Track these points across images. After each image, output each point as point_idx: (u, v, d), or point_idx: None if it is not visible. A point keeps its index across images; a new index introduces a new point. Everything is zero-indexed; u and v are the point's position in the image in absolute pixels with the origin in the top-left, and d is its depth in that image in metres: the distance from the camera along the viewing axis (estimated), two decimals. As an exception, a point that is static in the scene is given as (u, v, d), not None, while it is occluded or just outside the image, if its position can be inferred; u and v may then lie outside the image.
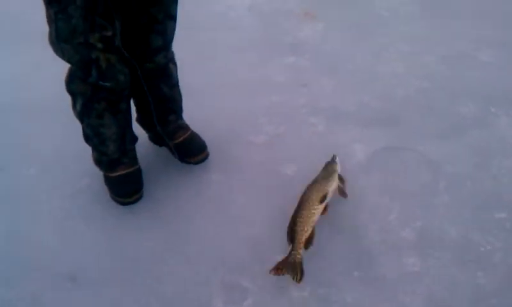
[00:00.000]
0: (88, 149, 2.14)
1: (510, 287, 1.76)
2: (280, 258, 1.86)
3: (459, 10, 3.22)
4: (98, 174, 2.19)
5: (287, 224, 1.90)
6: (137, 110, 2.26)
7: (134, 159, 2.17)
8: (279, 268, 1.79)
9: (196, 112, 2.41)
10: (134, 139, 2.19)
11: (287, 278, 1.79)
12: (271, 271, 1.79)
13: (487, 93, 2.58)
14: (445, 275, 1.81)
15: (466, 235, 1.92)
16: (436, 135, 2.36)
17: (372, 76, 2.77)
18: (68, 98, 2.00)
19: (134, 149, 2.18)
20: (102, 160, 2.12)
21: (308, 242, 1.85)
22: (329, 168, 2.08)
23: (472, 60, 2.83)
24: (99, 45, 1.78)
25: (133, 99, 2.17)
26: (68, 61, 1.85)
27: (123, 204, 2.11)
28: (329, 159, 2.13)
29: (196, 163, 2.27)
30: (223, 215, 2.07)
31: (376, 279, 1.81)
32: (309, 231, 1.87)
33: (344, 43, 3.04)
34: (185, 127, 2.29)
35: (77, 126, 2.08)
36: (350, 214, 2.01)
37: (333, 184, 2.01)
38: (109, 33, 1.77)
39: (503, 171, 2.16)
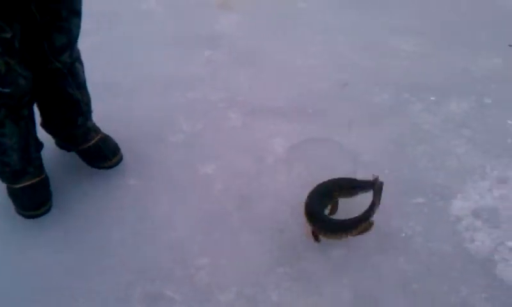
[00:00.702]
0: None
1: (430, 271, 1.79)
2: (204, 260, 1.81)
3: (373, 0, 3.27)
4: (0, 185, 2.02)
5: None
6: (42, 115, 2.10)
7: (39, 168, 2.01)
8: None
9: (107, 113, 2.29)
10: (39, 146, 2.04)
11: (211, 283, 1.75)
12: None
13: (401, 80, 2.62)
14: (369, 264, 1.82)
15: (388, 222, 1.94)
16: (354, 125, 2.37)
17: (290, 68, 2.75)
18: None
19: (39, 157, 2.03)
20: (4, 171, 1.95)
21: None
22: None
23: (386, 48, 2.87)
24: None
25: (36, 102, 2.02)
26: None
27: (30, 217, 1.96)
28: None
29: (110, 167, 2.15)
30: (141, 221, 1.97)
31: (302, 274, 1.79)
32: None
33: (261, 35, 3.00)
34: (96, 130, 2.17)
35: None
36: (272, 210, 1.97)
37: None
38: (8, 35, 1.62)
39: (418, 157, 2.21)
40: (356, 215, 1.82)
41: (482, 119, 2.39)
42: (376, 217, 1.95)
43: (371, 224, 1.83)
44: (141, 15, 3.18)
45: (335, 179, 1.98)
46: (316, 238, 1.86)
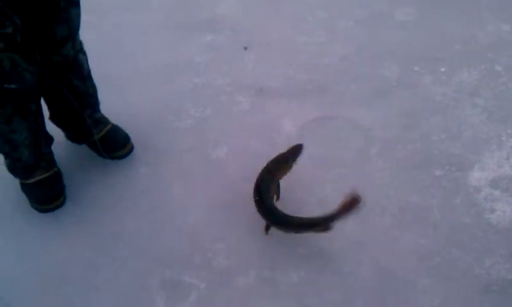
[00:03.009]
0: (-1, 154, 1.96)
1: (451, 243, 1.77)
2: (221, 245, 1.80)
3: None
4: (14, 180, 2.01)
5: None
6: (49, 108, 2.08)
7: (51, 162, 2.00)
8: None
9: (114, 103, 2.27)
10: (50, 140, 2.02)
11: (229, 267, 1.75)
12: None
13: (408, 52, 2.58)
14: (388, 240, 1.80)
15: (404, 197, 1.92)
16: (363, 100, 2.34)
17: (293, 47, 2.71)
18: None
19: (50, 152, 2.01)
20: (16, 167, 1.94)
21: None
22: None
23: (389, 20, 2.82)
24: (0, 45, 1.60)
25: (43, 96, 1.99)
26: None
27: (44, 211, 1.96)
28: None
29: (121, 157, 2.13)
30: (156, 209, 1.96)
31: (320, 254, 1.78)
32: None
33: (261, 16, 2.95)
34: (105, 120, 2.14)
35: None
36: (286, 191, 1.93)
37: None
38: (9, 30, 1.59)
39: (432, 129, 2.17)
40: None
41: (494, 87, 2.35)
42: (392, 193, 1.94)
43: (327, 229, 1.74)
44: (139, 2, 3.13)
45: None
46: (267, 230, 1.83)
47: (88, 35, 1.99)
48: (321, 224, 1.72)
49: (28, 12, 1.66)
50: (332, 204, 1.88)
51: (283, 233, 1.79)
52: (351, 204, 1.70)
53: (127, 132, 2.18)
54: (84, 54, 2.01)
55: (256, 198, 1.81)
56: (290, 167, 1.92)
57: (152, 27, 2.92)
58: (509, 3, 2.86)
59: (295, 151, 1.95)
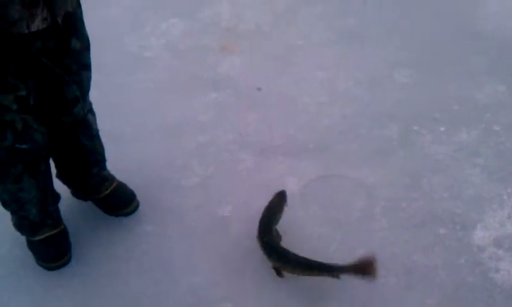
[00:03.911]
0: (5, 211, 1.96)
1: (456, 304, 1.78)
2: (228, 305, 1.79)
3: (370, 34, 3.29)
4: (20, 238, 2.01)
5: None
6: (57, 166, 2.11)
7: (57, 220, 2.02)
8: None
9: (119, 161, 2.29)
10: (57, 198, 2.04)
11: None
12: None
13: (407, 112, 2.63)
14: (394, 301, 1.80)
15: (410, 257, 1.93)
16: (365, 160, 2.37)
17: (294, 107, 2.76)
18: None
19: (57, 209, 2.03)
20: (23, 225, 1.95)
21: None
22: None
23: (388, 81, 2.89)
24: (14, 107, 1.64)
25: (51, 155, 2.02)
26: None
27: (50, 269, 1.96)
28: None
29: (127, 215, 2.15)
30: (161, 268, 1.96)
31: (328, 315, 1.78)
32: None
33: (264, 76, 3.01)
34: (111, 178, 2.17)
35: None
36: (292, 249, 1.94)
37: None
38: (23, 93, 1.64)
39: (434, 188, 2.21)
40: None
41: (494, 147, 2.39)
42: (397, 252, 1.95)
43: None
44: (143, 62, 3.19)
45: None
46: (279, 274, 1.86)
47: (94, 94, 2.03)
48: (330, 271, 1.78)
49: (41, 75, 1.71)
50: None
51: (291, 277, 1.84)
52: (365, 269, 1.74)
53: (132, 189, 2.20)
54: (93, 114, 2.05)
55: (264, 239, 1.88)
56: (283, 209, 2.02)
57: (156, 86, 2.97)
58: (504, 64, 2.94)
59: (281, 195, 2.06)
